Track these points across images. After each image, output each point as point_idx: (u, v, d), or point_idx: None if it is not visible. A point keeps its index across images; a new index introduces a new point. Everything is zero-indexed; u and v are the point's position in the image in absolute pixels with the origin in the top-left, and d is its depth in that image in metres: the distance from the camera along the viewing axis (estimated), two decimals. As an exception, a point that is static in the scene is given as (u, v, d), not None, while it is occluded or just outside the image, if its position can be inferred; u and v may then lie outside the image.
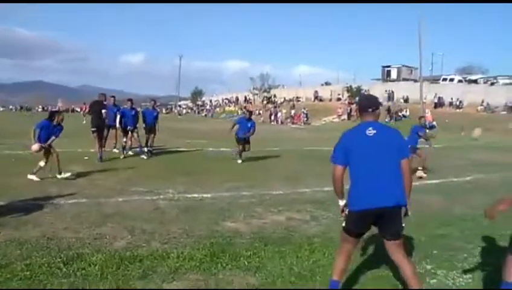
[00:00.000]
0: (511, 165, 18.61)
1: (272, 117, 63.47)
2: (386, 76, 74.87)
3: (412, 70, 74.58)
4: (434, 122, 46.35)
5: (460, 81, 61.97)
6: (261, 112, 68.85)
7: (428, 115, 47.49)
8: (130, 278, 5.40)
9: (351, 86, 67.22)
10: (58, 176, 12.02)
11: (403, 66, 74.40)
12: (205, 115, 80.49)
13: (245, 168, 15.82)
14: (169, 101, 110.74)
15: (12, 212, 8.17)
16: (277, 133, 39.31)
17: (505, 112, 48.59)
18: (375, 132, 4.77)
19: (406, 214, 4.77)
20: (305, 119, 58.67)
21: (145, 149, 17.63)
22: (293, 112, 62.85)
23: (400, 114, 52.83)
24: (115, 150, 17.84)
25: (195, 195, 10.57)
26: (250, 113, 18.55)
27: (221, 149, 20.74)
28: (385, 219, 4.70)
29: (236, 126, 17.65)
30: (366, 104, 5.03)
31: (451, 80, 63.50)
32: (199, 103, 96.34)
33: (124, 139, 17.45)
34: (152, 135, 17.97)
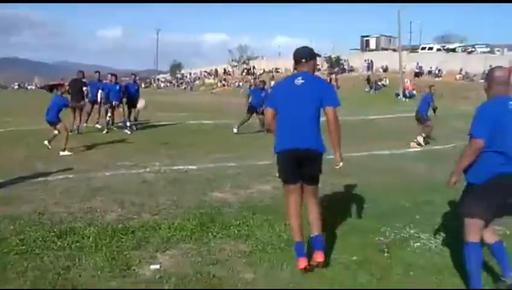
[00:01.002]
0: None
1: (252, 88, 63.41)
2: (365, 46, 75.20)
3: (390, 40, 74.75)
4: (414, 91, 46.97)
5: (439, 50, 62.47)
6: (240, 83, 68.77)
7: (408, 84, 48.06)
8: (124, 248, 5.53)
9: (330, 57, 67.24)
10: (61, 153, 12.17)
11: (382, 35, 74.63)
12: (184, 88, 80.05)
13: (230, 140, 15.98)
14: (148, 75, 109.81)
15: (1, 189, 8.25)
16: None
17: (482, 80, 48.90)
18: (303, 81, 5.02)
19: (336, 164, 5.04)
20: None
21: (128, 124, 17.63)
22: (272, 83, 62.81)
23: (379, 83, 53.15)
24: (97, 126, 17.79)
25: (181, 167, 10.68)
26: (264, 83, 18.77)
27: (203, 121, 20.86)
28: (304, 162, 4.99)
29: (251, 98, 18.03)
30: (299, 54, 5.22)
31: (430, 48, 64.00)
32: (178, 76, 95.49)
33: (109, 114, 17.44)
34: (135, 109, 18.02)
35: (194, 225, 6.38)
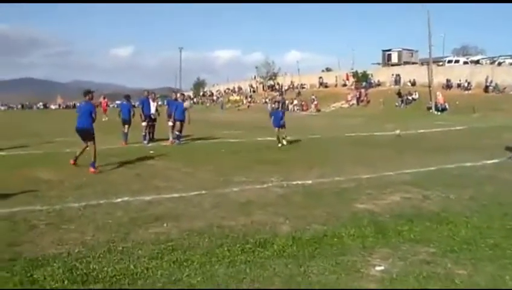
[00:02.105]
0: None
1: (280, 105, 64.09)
2: (387, 60, 75.50)
3: (412, 53, 75.28)
4: (446, 104, 47.49)
5: (465, 62, 62.76)
6: (267, 100, 69.49)
7: (440, 97, 48.54)
8: (338, 253, 6.17)
9: (356, 71, 67.79)
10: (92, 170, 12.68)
11: (404, 49, 74.96)
12: (208, 106, 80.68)
13: (312, 155, 16.63)
14: (169, 93, 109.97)
15: (163, 206, 8.94)
16: (298, 121, 39.97)
17: (515, 91, 49.38)
18: None
19: None
20: (315, 106, 59.26)
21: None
22: (298, 99, 63.53)
23: (409, 97, 53.63)
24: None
25: (299, 182, 11.29)
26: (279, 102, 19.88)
27: (272, 138, 21.57)
28: None
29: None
30: None
31: (457, 61, 64.39)
32: (207, 93, 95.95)
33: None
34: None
35: (373, 233, 7.03)
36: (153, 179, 11.85)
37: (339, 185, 11.02)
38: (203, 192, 10.13)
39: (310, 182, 11.34)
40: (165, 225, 7.54)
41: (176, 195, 9.84)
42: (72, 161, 13.38)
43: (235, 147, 19.15)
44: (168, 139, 20.08)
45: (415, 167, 13.42)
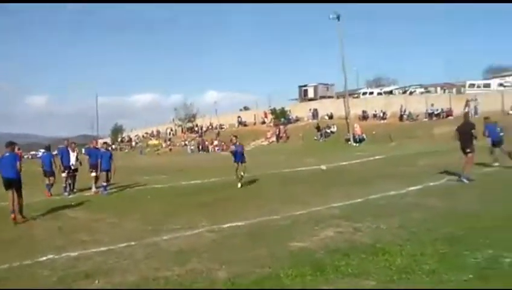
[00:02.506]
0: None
1: (200, 146, 63.95)
2: (304, 95, 77.11)
3: (328, 87, 77.43)
4: (363, 135, 48.87)
5: (379, 93, 65.13)
6: (186, 142, 69.26)
7: (357, 128, 49.95)
8: None
9: (274, 108, 68.66)
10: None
11: (319, 84, 76.93)
12: (127, 152, 79.17)
13: (239, 196, 16.48)
14: (86, 141, 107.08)
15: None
16: (220, 161, 39.94)
17: (426, 119, 51.58)
18: None
19: None
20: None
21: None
22: (217, 140, 63.61)
23: (328, 131, 54.80)
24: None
25: (232, 224, 11.13)
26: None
27: (196, 181, 21.36)
28: None
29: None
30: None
31: (371, 93, 66.80)
32: (125, 139, 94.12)
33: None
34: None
35: (311, 271, 7.04)
36: (78, 232, 11.33)
37: (271, 224, 10.98)
38: (133, 243, 9.78)
39: (241, 223, 11.20)
40: (96, 281, 7.23)
41: (103, 248, 9.45)
42: (12, 216, 13.07)
43: (160, 192, 18.77)
44: (90, 189, 19.45)
45: (342, 200, 13.58)
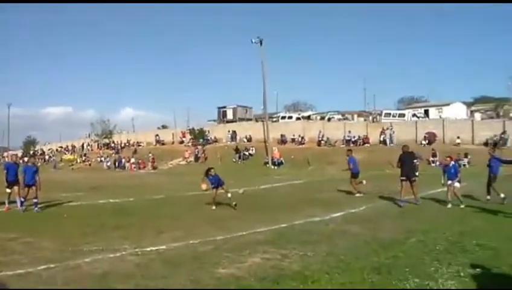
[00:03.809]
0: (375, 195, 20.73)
1: (117, 163, 62.65)
2: (222, 116, 77.35)
3: (247, 110, 78.16)
4: (282, 159, 49.36)
5: (298, 118, 66.20)
6: (102, 158, 67.74)
7: (276, 152, 50.44)
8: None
9: (193, 128, 68.32)
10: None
11: (238, 106, 77.42)
12: (40, 165, 76.07)
13: (161, 217, 15.90)
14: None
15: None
16: (137, 179, 39.34)
17: (343, 146, 52.71)
18: None
19: None
20: (152, 163, 58.62)
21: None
22: (134, 157, 62.56)
23: (246, 153, 54.99)
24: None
25: (153, 248, 10.79)
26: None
27: (115, 200, 20.80)
28: None
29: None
30: None
31: (290, 117, 67.82)
32: (38, 152, 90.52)
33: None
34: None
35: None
36: (-10, 253, 10.70)
37: (195, 249, 10.72)
38: (52, 265, 9.26)
39: (164, 247, 10.89)
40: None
41: (21, 271, 8.86)
42: None
43: (78, 211, 18.02)
44: (3, 204, 18.32)
45: (266, 225, 13.50)
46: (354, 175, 22.10)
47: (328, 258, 9.40)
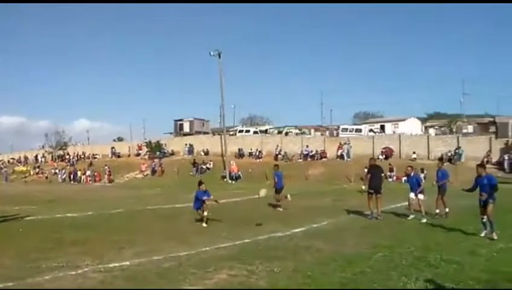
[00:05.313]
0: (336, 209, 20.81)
1: (72, 176, 61.47)
2: (179, 129, 76.95)
3: (203, 123, 77.94)
4: (239, 173, 49.24)
5: (255, 132, 66.20)
6: (57, 171, 66.33)
7: (234, 166, 50.29)
8: None
9: (150, 141, 67.54)
10: None
11: (195, 118, 77.14)
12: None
13: (121, 232, 15.54)
14: None
15: None
16: (93, 193, 38.64)
17: (301, 160, 52.95)
18: None
19: None
20: (108, 176, 57.73)
21: None
22: (90, 170, 61.55)
23: (203, 167, 54.68)
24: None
25: (115, 264, 10.54)
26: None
27: (72, 214, 20.36)
28: None
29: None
30: None
31: (247, 131, 67.75)
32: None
33: None
34: None
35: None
36: None
37: (159, 265, 10.52)
38: (10, 284, 8.95)
39: (127, 263, 10.65)
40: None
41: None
42: None
43: (33, 225, 17.51)
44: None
45: (228, 240, 13.40)
46: (278, 190, 22.30)
47: (295, 274, 9.34)
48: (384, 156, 49.12)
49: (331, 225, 16.69)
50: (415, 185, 17.62)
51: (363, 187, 21.85)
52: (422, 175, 40.16)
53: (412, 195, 17.54)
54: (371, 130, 59.00)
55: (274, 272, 9.61)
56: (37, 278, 9.37)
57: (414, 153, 48.06)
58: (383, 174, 17.62)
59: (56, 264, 10.60)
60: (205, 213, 17.43)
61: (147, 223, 17.89)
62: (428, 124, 77.88)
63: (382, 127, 67.63)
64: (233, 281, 8.97)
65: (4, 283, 8.97)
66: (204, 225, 16.94)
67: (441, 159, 19.15)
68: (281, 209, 21.29)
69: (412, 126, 67.81)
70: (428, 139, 51.32)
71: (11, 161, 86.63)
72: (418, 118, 77.26)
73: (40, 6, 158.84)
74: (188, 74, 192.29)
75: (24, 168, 75.37)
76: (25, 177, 68.02)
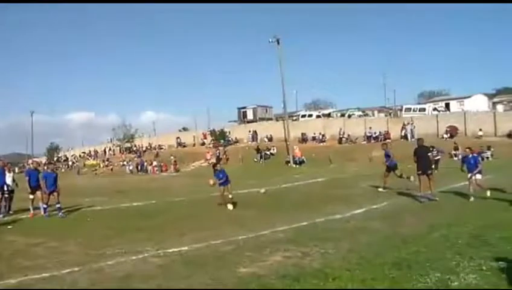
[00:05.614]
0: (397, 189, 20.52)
1: (139, 167, 62.90)
2: (243, 117, 77.44)
3: (266, 109, 78.22)
4: (303, 157, 49.24)
5: (318, 116, 66.00)
6: (125, 163, 68.02)
7: (297, 150, 50.30)
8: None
9: (214, 130, 68.39)
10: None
11: (258, 106, 77.48)
12: (63, 171, 76.81)
13: (183, 219, 16.02)
14: (15, 160, 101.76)
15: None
16: (161, 182, 39.57)
17: (365, 142, 52.51)
18: None
19: None
20: (174, 166, 58.84)
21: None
22: (156, 160, 62.84)
23: (267, 153, 54.96)
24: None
25: (175, 249, 10.88)
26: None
27: (138, 203, 20.99)
28: None
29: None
30: None
31: (310, 115, 67.57)
32: (61, 158, 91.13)
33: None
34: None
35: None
36: (16, 257, 10.84)
37: (216, 249, 10.79)
38: (76, 269, 9.40)
39: (186, 248, 10.97)
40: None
41: (46, 274, 9.02)
42: None
43: (101, 215, 18.20)
44: (28, 210, 18.58)
45: (287, 223, 13.53)
46: (389, 168, 21.88)
47: (349, 255, 9.41)
48: (448, 134, 48.08)
49: (391, 205, 16.61)
50: (472, 166, 17.23)
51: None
52: (489, 153, 39.38)
53: (470, 175, 17.16)
54: (434, 109, 57.74)
55: (328, 253, 9.72)
56: (100, 264, 9.80)
57: (480, 130, 46.77)
58: (434, 153, 17.16)
59: (119, 250, 11.04)
60: (230, 196, 18.31)
61: (208, 209, 18.19)
62: (496, 99, 75.44)
63: (447, 106, 65.89)
64: (287, 262, 9.11)
65: (70, 268, 9.43)
66: (230, 207, 17.80)
67: (469, 148, 18.31)
68: (382, 190, 21.01)
69: (479, 103, 65.61)
70: (495, 115, 49.87)
71: (82, 155, 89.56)
72: (486, 94, 74.75)
73: (110, 7, 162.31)
74: (250, 61, 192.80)
75: (94, 162, 77.76)
76: (95, 170, 70.14)
